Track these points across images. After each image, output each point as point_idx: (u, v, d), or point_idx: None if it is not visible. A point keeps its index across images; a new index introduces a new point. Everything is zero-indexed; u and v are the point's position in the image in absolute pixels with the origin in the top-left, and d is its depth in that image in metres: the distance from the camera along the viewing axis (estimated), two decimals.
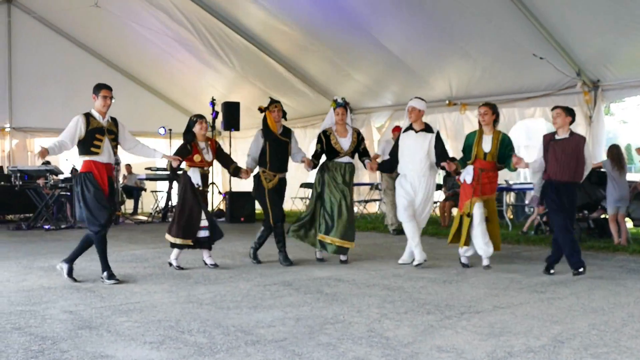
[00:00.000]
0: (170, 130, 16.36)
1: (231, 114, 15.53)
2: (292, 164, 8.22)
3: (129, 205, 17.74)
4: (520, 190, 12.56)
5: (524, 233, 10.68)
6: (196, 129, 7.61)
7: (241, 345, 4.27)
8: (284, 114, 8.07)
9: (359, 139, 8.07)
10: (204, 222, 7.54)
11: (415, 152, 7.73)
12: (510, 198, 12.70)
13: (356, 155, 8.16)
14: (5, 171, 15.52)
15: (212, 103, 15.79)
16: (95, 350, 4.18)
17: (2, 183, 14.58)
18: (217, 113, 15.72)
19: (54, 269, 7.70)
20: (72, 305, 5.55)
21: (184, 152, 7.50)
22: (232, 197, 14.80)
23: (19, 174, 13.59)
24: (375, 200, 14.97)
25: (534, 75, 11.53)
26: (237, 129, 15.73)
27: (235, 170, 7.88)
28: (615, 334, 4.50)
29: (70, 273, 6.83)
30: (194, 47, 15.37)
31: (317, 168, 8.09)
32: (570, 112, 7.08)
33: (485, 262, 7.48)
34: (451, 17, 10.93)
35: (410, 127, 7.83)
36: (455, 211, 12.47)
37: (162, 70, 17.63)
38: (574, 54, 10.65)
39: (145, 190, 17.92)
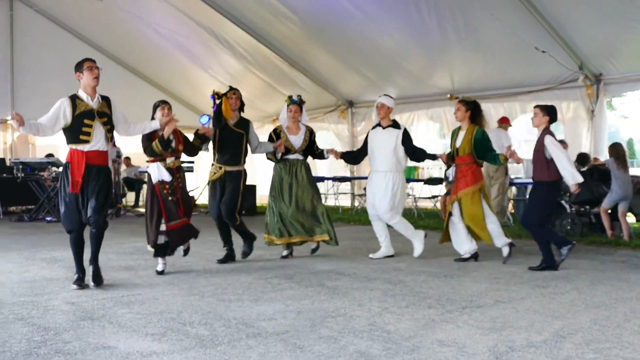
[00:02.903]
0: None
1: None
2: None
3: (130, 197, 17.75)
4: (522, 185, 12.53)
5: None
6: (157, 115, 6.68)
7: (242, 337, 4.28)
8: (242, 105, 7.75)
9: (311, 138, 7.96)
10: (163, 227, 6.68)
11: (381, 147, 7.86)
12: (511, 192, 12.67)
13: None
14: (8, 163, 15.53)
15: (214, 96, 15.74)
16: (97, 341, 4.20)
17: (5, 175, 14.59)
18: (218, 106, 15.68)
19: (55, 260, 7.73)
20: (74, 297, 5.57)
21: (145, 144, 6.67)
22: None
23: (21, 166, 13.63)
24: None
25: (536, 69, 11.49)
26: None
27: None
28: (617, 329, 4.49)
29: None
30: (197, 41, 15.32)
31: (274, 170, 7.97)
32: (549, 112, 7.13)
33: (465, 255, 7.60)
34: (454, 10, 10.90)
35: (378, 124, 7.98)
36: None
37: (165, 64, 17.58)
38: (576, 48, 10.61)
39: (145, 182, 17.91)
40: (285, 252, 7.93)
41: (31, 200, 14.42)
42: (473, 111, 7.59)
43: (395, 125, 7.94)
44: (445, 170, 8.06)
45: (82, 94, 6.00)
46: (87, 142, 5.91)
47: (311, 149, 7.99)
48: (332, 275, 6.67)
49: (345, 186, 15.91)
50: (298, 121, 7.94)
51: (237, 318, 4.82)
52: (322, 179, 15.42)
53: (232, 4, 13.40)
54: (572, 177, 6.85)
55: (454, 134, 7.78)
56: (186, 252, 7.12)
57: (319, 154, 8.11)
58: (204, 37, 14.99)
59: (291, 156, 7.83)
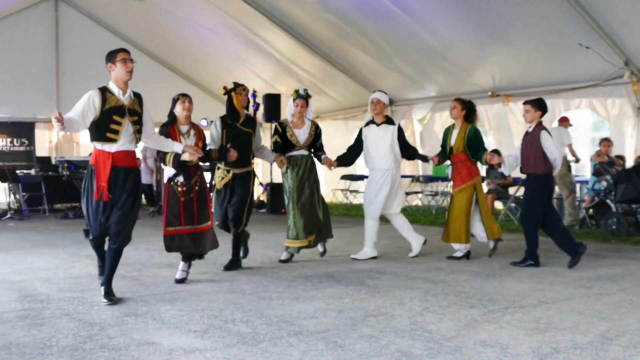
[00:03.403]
0: (212, 122, 16.48)
1: (272, 106, 15.56)
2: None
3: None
4: (583, 182, 12.29)
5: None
6: (177, 109, 6.22)
7: (284, 335, 4.30)
8: (249, 103, 7.32)
9: (316, 133, 7.63)
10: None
11: (379, 144, 7.74)
12: (555, 191, 12.46)
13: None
14: (53, 162, 15.89)
15: (254, 95, 15.85)
16: (141, 337, 4.26)
17: (50, 173, 14.93)
18: (258, 105, 15.79)
19: None
20: (119, 293, 5.65)
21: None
22: (272, 189, 14.83)
23: (66, 164, 13.94)
24: (416, 192, 14.87)
25: (579, 65, 11.28)
26: (278, 120, 15.74)
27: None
28: None
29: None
30: (237, 40, 15.45)
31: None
32: (541, 106, 7.27)
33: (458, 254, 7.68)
34: (494, 7, 10.77)
35: (371, 121, 7.85)
36: (497, 204, 12.36)
37: (205, 63, 17.76)
38: (621, 43, 10.37)
39: None
40: (284, 256, 7.60)
41: (76, 197, 14.68)
42: (468, 110, 7.66)
43: (389, 121, 7.85)
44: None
45: (113, 87, 5.34)
46: (114, 141, 5.26)
47: (315, 144, 7.64)
48: (372, 274, 6.65)
49: None
50: (303, 116, 7.61)
51: (278, 316, 4.85)
52: (361, 177, 15.41)
53: (272, 3, 13.47)
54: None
55: (448, 132, 7.77)
56: (199, 256, 6.50)
57: (318, 154, 7.68)
58: (245, 36, 15.10)
59: (295, 152, 7.47)
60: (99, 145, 5.29)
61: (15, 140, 17.44)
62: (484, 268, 7.00)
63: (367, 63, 14.38)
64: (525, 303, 5.27)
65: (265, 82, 16.89)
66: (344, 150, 8.13)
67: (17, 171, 14.60)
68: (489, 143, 13.85)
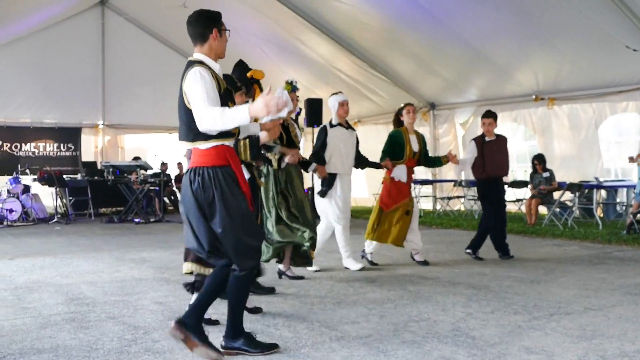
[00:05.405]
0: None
1: (314, 110, 15.60)
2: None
3: None
4: (612, 188, 12.09)
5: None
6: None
7: (326, 340, 4.30)
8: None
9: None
10: None
11: (349, 149, 7.28)
12: (600, 196, 12.25)
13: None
14: (99, 166, 16.20)
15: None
16: None
17: (96, 178, 15.22)
18: (300, 109, 15.84)
19: (144, 260, 7.98)
20: (162, 297, 5.72)
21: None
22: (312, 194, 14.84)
23: (111, 169, 14.19)
24: (458, 197, 14.74)
25: (626, 68, 11.07)
26: (320, 125, 15.78)
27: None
28: None
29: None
30: (279, 45, 15.54)
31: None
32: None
33: (420, 257, 7.61)
34: (537, 9, 10.63)
35: (339, 123, 7.31)
36: (541, 209, 12.18)
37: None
38: None
39: None
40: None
41: (120, 202, 14.98)
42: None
43: (350, 125, 7.47)
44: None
45: (214, 65, 4.00)
46: (233, 134, 3.98)
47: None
48: (414, 279, 6.61)
49: (427, 189, 15.75)
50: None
51: (320, 321, 4.85)
52: None
53: (313, 8, 13.53)
54: None
55: (401, 137, 7.51)
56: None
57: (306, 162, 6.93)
58: (285, 41, 15.19)
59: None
60: (219, 142, 3.87)
61: (62, 145, 17.85)
62: (528, 274, 6.90)
63: (407, 67, 14.34)
64: (571, 310, 5.18)
65: (306, 87, 16.95)
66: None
67: (64, 176, 14.92)
68: (534, 147, 13.67)
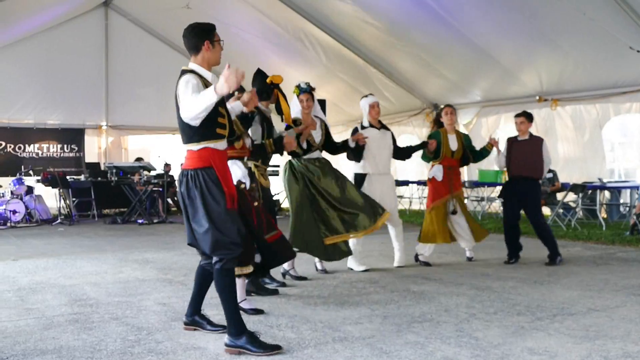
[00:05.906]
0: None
1: None
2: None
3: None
4: (615, 189, 12.07)
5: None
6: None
7: (329, 341, 4.30)
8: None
9: (327, 130, 6.98)
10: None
11: (382, 149, 7.38)
12: (604, 197, 12.23)
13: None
14: (102, 167, 16.22)
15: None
16: (187, 342, 4.31)
17: (99, 179, 15.23)
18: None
19: (147, 261, 7.99)
20: (165, 298, 5.73)
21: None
22: None
23: (114, 170, 14.21)
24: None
25: (630, 69, 11.04)
26: None
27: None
28: None
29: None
30: (282, 45, 15.54)
31: (286, 170, 6.80)
32: (532, 118, 7.96)
33: (469, 254, 7.90)
34: (541, 10, 10.61)
35: (370, 125, 7.41)
36: (545, 210, 12.15)
37: (251, 69, 17.91)
38: None
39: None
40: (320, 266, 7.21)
41: (124, 203, 15.00)
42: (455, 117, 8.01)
43: (384, 125, 7.59)
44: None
45: (206, 73, 4.31)
46: (222, 137, 4.25)
47: (327, 143, 6.98)
48: (417, 280, 6.61)
49: None
50: (311, 112, 6.83)
51: (323, 321, 4.85)
52: (406, 183, 15.33)
53: (317, 8, 13.52)
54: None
55: (438, 137, 7.71)
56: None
57: (339, 147, 7.09)
58: (289, 42, 15.18)
59: (313, 155, 6.82)
60: (210, 144, 4.16)
61: (65, 146, 17.87)
62: (531, 275, 6.89)
63: (411, 68, 14.33)
64: (574, 310, 5.17)
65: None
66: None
67: (67, 177, 14.94)
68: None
